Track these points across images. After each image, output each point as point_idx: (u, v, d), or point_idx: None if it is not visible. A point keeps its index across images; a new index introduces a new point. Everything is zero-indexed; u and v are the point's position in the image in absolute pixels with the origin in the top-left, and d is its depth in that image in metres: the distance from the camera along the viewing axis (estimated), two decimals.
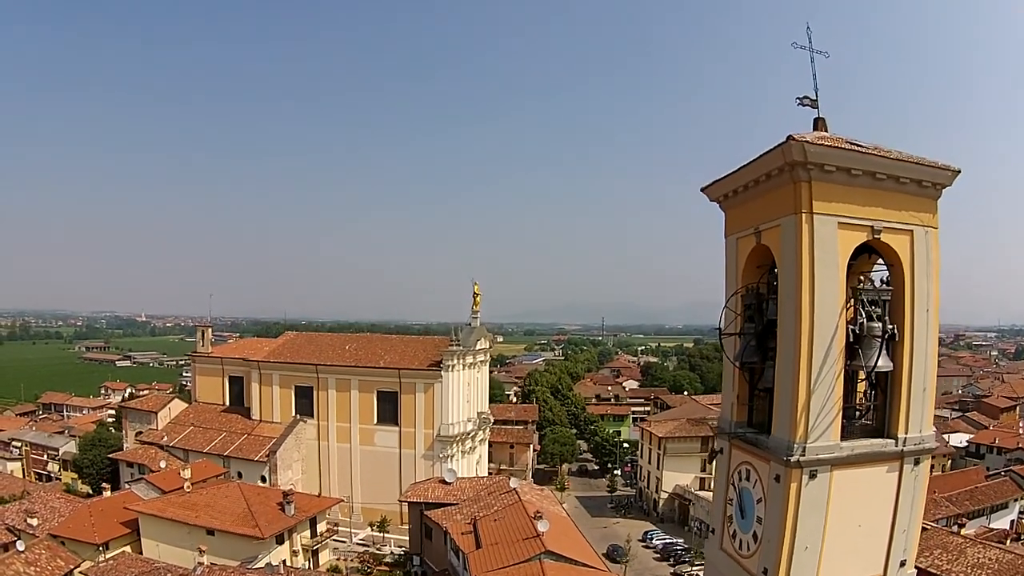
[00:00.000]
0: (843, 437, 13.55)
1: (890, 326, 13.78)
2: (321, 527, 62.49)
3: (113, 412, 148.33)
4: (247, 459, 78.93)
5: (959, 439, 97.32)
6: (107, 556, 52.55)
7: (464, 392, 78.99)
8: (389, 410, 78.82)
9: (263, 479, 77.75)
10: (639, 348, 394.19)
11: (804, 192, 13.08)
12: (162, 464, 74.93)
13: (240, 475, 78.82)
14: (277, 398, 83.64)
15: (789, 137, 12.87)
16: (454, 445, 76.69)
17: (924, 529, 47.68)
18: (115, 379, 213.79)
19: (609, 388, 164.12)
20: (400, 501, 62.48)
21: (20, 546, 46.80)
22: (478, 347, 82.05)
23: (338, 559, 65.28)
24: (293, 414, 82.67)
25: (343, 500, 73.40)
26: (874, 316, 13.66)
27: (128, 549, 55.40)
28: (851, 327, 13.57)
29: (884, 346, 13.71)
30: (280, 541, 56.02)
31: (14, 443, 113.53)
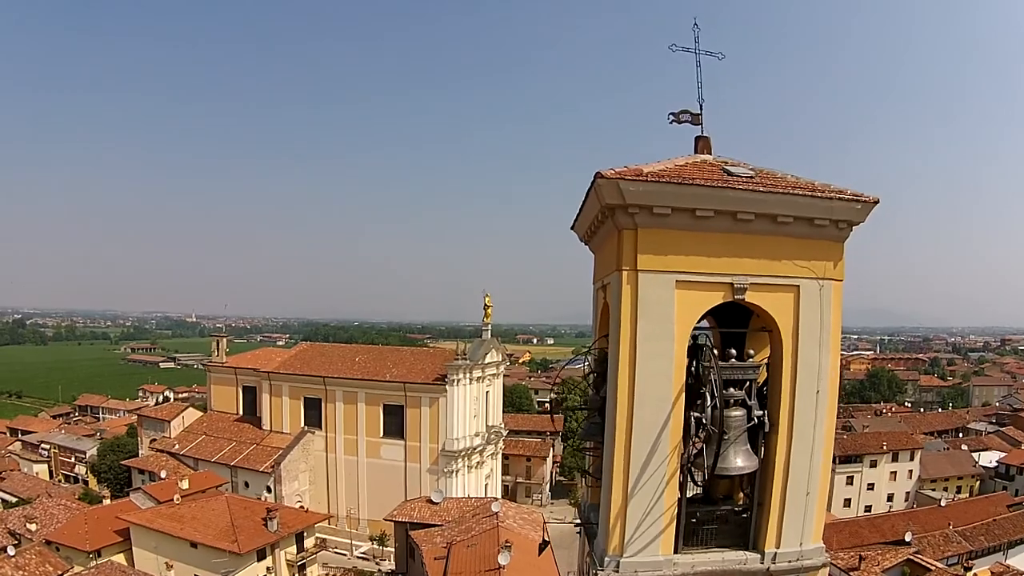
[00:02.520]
0: (692, 546, 11.10)
1: (758, 412, 11.11)
2: (309, 542, 62.05)
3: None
4: (253, 469, 79.08)
5: (990, 458, 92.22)
6: (97, 563, 52.78)
7: (471, 406, 77.93)
8: (395, 423, 78.34)
9: (268, 489, 78.05)
10: None
11: (627, 243, 10.44)
12: (163, 474, 75.56)
13: (247, 485, 79.53)
14: (287, 409, 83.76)
15: (597, 175, 10.17)
16: (460, 460, 75.83)
17: (928, 570, 45.34)
18: (157, 381, 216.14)
19: None
20: (386, 520, 62.00)
21: (10, 551, 48.13)
22: (487, 360, 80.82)
23: (325, 574, 64.84)
24: (302, 425, 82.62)
25: (332, 516, 73.55)
26: (727, 401, 10.90)
27: (121, 557, 55.85)
28: (695, 414, 10.76)
29: (748, 439, 11.09)
30: (262, 556, 55.87)
31: (43, 445, 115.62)
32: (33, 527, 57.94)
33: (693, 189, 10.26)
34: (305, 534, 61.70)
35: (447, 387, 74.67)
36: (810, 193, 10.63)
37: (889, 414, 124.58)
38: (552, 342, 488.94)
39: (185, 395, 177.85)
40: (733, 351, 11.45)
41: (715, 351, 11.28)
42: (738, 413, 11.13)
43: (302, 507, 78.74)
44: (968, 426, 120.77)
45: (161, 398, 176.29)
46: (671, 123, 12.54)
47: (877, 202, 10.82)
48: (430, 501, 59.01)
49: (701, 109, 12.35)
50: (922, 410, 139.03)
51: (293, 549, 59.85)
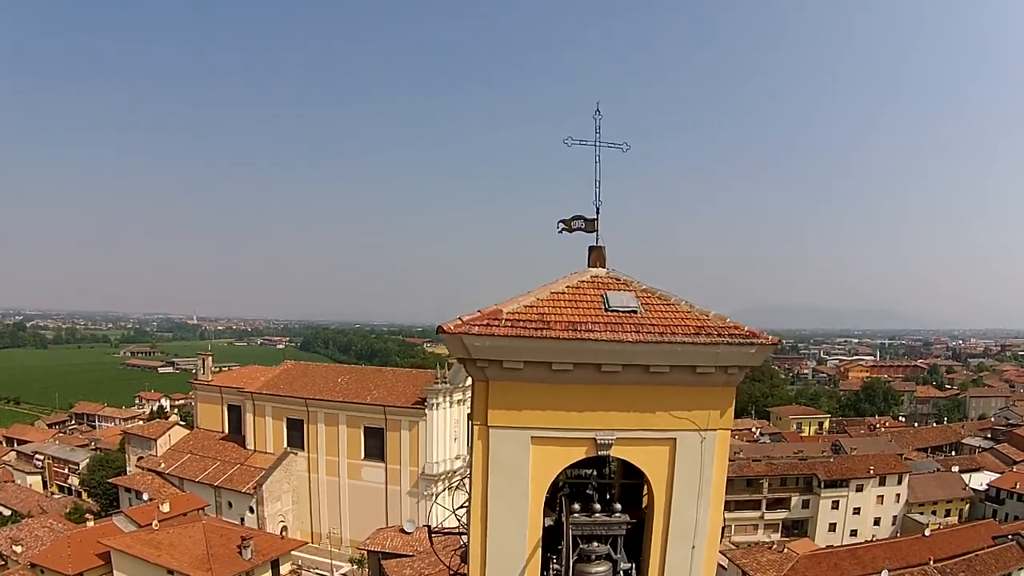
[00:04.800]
0: None
1: (625, 566, 10.34)
2: (285, 568, 62.00)
3: (143, 422, 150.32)
4: (236, 490, 78.84)
5: (981, 480, 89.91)
6: None
7: (452, 429, 77.47)
8: (376, 446, 77.99)
9: (251, 510, 78.05)
10: None
11: (479, 396, 9.62)
12: (145, 496, 75.45)
13: (230, 505, 79.66)
14: (270, 429, 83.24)
15: (439, 328, 9.28)
16: (440, 483, 75.39)
17: None
18: (156, 386, 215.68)
19: None
20: (359, 549, 61.77)
21: None
22: (468, 383, 79.98)
23: None
24: (285, 446, 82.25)
25: (307, 543, 73.20)
26: (589, 556, 10.18)
27: None
28: (556, 567, 10.11)
29: None
30: None
31: (37, 456, 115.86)
32: (19, 549, 59.03)
33: (547, 343, 9.27)
34: (281, 560, 61.43)
35: (427, 411, 74.21)
36: (690, 340, 9.39)
37: (882, 429, 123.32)
38: None
39: (181, 402, 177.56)
40: (598, 505, 10.68)
41: (575, 504, 10.54)
42: (601, 568, 10.34)
43: (284, 527, 79.06)
44: (963, 441, 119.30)
45: (156, 406, 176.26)
46: (560, 232, 11.47)
47: (776, 344, 9.77)
48: (403, 530, 58.61)
49: (597, 213, 11.27)
50: (916, 424, 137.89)
51: (270, 574, 59.69)
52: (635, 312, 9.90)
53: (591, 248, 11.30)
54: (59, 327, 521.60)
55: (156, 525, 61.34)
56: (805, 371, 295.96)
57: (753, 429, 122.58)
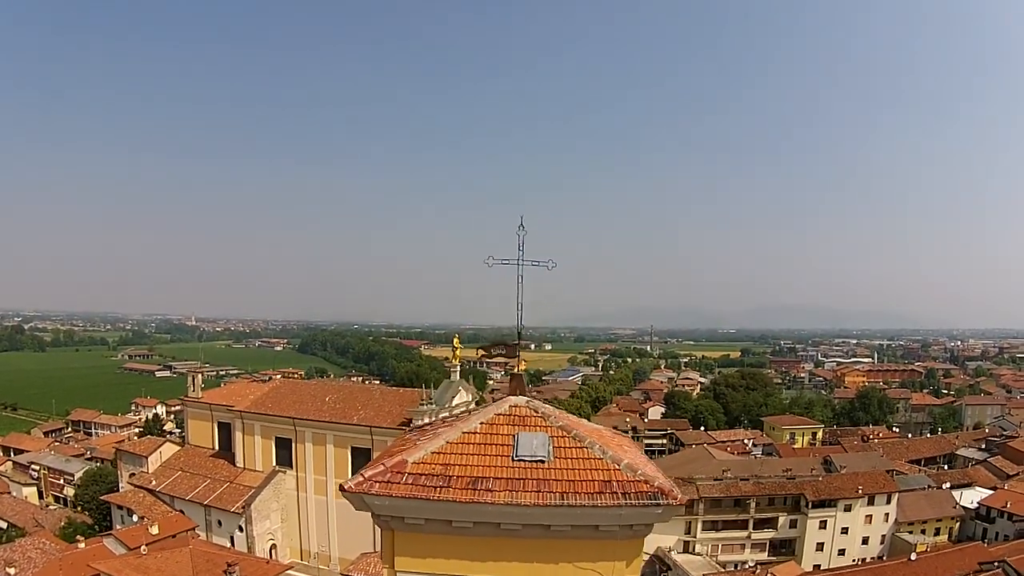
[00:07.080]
0: None
1: None
2: None
3: (139, 430, 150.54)
4: (225, 510, 78.83)
5: (972, 497, 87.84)
6: None
7: None
8: (363, 465, 76.74)
9: (240, 529, 78.08)
10: (683, 361, 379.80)
11: (386, 542, 9.77)
12: (134, 518, 75.45)
13: (220, 523, 79.56)
14: (259, 447, 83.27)
15: (340, 487, 9.45)
16: None
17: None
18: (153, 391, 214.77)
19: (627, 419, 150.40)
20: (343, 573, 61.74)
21: None
22: (456, 402, 79.95)
23: None
24: (274, 464, 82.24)
25: (292, 566, 73.17)
26: None
27: None
28: None
29: None
30: None
31: (33, 467, 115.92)
32: (12, 571, 58.51)
33: (445, 505, 9.25)
34: None
35: None
36: (591, 503, 9.24)
37: (876, 439, 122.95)
38: (550, 348, 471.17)
39: (178, 408, 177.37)
40: None
41: None
42: None
43: (274, 545, 79.15)
44: (957, 452, 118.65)
45: (152, 414, 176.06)
46: (480, 359, 11.79)
47: (684, 504, 9.53)
48: None
49: (519, 338, 11.08)
50: (910, 434, 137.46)
51: None
52: (543, 462, 9.76)
53: (512, 376, 11.29)
54: (57, 329, 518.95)
55: (144, 549, 61.30)
56: (802, 375, 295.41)
57: (745, 441, 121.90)
